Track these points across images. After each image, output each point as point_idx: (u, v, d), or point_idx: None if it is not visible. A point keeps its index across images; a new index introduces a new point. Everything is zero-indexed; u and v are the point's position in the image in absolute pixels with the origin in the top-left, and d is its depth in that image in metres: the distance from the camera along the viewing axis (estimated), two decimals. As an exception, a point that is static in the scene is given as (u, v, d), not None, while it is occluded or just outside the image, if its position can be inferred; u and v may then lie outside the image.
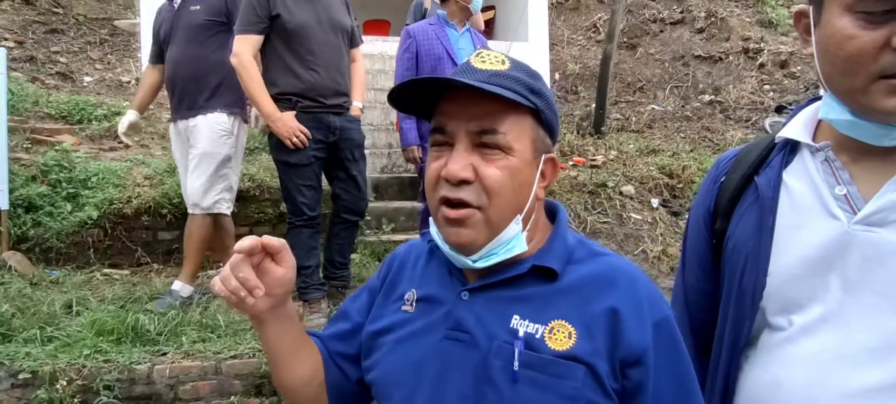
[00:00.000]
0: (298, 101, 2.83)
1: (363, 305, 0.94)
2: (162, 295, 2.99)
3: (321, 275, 3.07)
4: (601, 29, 7.61)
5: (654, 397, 0.74)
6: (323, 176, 3.02)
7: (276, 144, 2.86)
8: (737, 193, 0.89)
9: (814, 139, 0.83)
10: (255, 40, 2.80)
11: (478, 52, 0.81)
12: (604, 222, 4.46)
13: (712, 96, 6.70)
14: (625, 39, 7.46)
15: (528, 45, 6.19)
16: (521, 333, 0.76)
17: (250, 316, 0.84)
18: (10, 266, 3.23)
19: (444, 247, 0.81)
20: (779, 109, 6.08)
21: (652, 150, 5.48)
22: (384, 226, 4.08)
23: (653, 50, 7.50)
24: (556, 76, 7.07)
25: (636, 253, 4.27)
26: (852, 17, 0.71)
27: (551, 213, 0.88)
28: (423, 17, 4.60)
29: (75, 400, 2.31)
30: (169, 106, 3.25)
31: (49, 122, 4.49)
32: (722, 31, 7.51)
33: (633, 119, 6.36)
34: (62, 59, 5.63)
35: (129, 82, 5.65)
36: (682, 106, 6.65)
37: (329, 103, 2.91)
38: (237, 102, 3.08)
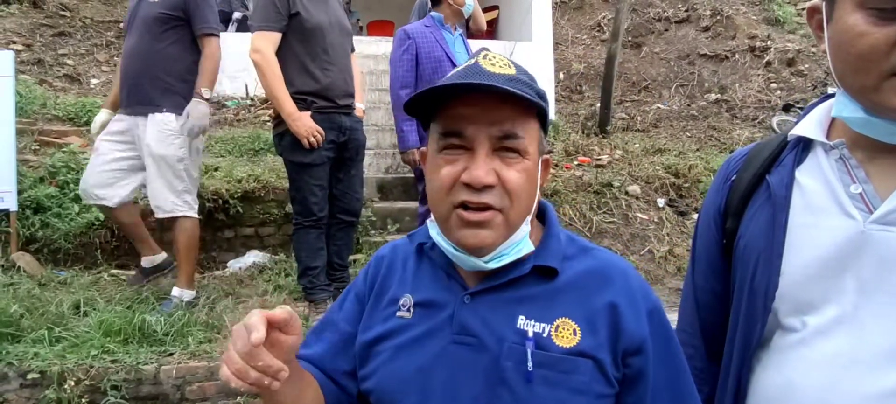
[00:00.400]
0: (313, 102, 2.82)
1: (351, 313, 0.91)
2: (168, 297, 2.99)
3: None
4: (606, 28, 7.58)
5: (653, 379, 0.79)
6: None
7: (290, 144, 2.83)
8: (748, 192, 0.87)
9: (827, 137, 0.81)
10: (276, 38, 2.76)
11: (484, 54, 0.80)
12: (609, 222, 4.44)
13: (718, 95, 6.66)
14: (629, 38, 7.43)
15: (531, 45, 6.16)
16: (530, 333, 0.77)
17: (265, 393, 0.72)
18: (20, 267, 3.25)
19: (450, 249, 0.81)
20: (786, 108, 6.03)
21: (658, 150, 5.45)
22: (389, 227, 4.08)
23: (658, 49, 7.46)
24: (561, 76, 7.05)
25: (642, 253, 4.25)
26: (864, 13, 0.69)
27: (539, 212, 0.88)
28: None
29: (83, 400, 2.33)
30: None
31: (57, 124, 4.51)
32: (728, 30, 7.46)
33: (639, 118, 6.33)
34: (69, 62, 5.66)
35: (135, 84, 5.67)
36: (688, 105, 6.62)
37: (341, 104, 2.92)
38: (187, 102, 2.90)
